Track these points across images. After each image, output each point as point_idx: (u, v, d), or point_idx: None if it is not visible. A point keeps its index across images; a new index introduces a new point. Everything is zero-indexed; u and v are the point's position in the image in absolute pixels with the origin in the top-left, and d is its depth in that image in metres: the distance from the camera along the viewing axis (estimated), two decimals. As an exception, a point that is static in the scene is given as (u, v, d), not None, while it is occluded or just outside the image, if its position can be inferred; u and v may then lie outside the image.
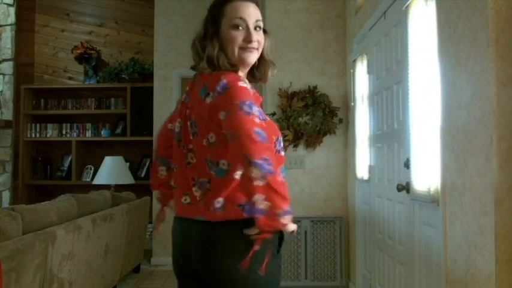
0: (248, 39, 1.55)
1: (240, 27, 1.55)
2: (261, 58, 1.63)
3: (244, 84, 1.49)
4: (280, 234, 1.52)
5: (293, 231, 1.44)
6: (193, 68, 1.66)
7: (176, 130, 1.62)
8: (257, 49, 1.59)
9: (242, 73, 1.62)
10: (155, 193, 1.90)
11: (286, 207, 1.39)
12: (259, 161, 1.35)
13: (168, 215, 1.90)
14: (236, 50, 1.56)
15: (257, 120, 1.41)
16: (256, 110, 1.43)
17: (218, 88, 1.46)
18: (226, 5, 1.57)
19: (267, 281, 1.50)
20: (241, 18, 1.55)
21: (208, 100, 1.49)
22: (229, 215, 1.48)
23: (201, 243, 1.52)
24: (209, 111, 1.48)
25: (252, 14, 1.56)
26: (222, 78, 1.47)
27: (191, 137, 1.56)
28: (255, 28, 1.57)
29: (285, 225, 1.40)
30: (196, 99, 1.54)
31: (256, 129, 1.39)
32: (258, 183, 1.35)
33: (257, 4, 1.60)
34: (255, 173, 1.35)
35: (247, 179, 1.38)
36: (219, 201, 1.48)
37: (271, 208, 1.37)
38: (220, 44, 1.56)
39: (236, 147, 1.39)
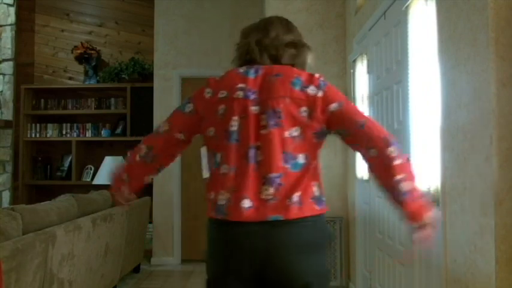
0: None
1: None
2: None
3: None
4: (329, 230, 1.67)
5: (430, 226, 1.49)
6: (251, 60, 1.66)
7: (232, 129, 1.55)
8: None
9: None
10: (120, 174, 1.78)
11: (420, 190, 1.51)
12: (393, 140, 1.50)
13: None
14: None
15: None
16: None
17: (321, 84, 1.58)
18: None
19: (329, 276, 1.68)
20: None
21: (312, 92, 1.55)
22: (306, 211, 1.51)
23: (282, 246, 1.48)
24: (315, 101, 1.55)
25: None
26: (319, 77, 1.60)
27: (263, 132, 1.53)
28: None
29: (427, 207, 1.50)
30: (285, 90, 1.55)
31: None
32: (398, 161, 1.47)
33: None
34: (394, 151, 1.48)
35: (384, 159, 1.48)
36: (297, 195, 1.50)
37: (414, 189, 1.48)
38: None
39: (369, 132, 1.51)
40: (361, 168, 3.75)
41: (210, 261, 1.61)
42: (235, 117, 1.56)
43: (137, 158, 1.72)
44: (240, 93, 1.58)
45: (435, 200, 2.24)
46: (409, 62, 2.55)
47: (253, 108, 1.56)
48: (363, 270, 3.80)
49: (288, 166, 1.51)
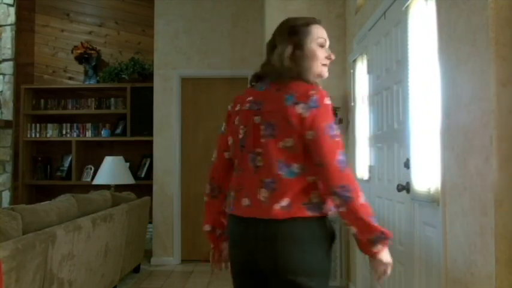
0: (329, 57, 1.79)
1: (324, 46, 1.78)
2: None
3: (329, 101, 1.66)
4: (332, 232, 1.70)
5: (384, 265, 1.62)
6: (261, 77, 1.79)
7: (240, 136, 1.74)
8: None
9: None
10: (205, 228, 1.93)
11: (371, 234, 1.58)
12: (337, 190, 1.56)
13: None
14: (319, 66, 1.77)
15: (338, 139, 1.61)
16: (336, 128, 1.63)
17: (310, 102, 1.61)
18: (311, 26, 1.78)
19: (325, 273, 1.69)
20: (324, 38, 1.79)
21: (300, 110, 1.61)
22: (295, 213, 1.61)
23: (269, 240, 1.63)
24: (301, 121, 1.61)
25: (327, 37, 1.82)
26: (313, 93, 1.63)
27: (262, 140, 1.67)
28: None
29: (373, 254, 1.61)
30: (279, 105, 1.65)
31: (339, 157, 1.58)
32: (341, 209, 1.59)
33: None
34: (336, 200, 1.58)
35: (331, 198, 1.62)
36: (286, 200, 1.62)
37: (357, 234, 1.60)
38: (305, 60, 1.75)
39: (322, 174, 1.60)
40: (361, 168, 3.75)
41: (231, 252, 1.83)
42: (242, 126, 1.74)
43: (207, 199, 1.91)
44: (247, 105, 1.75)
45: (435, 200, 2.24)
46: (409, 62, 2.55)
47: (255, 118, 1.70)
48: (363, 270, 3.80)
49: (282, 173, 1.63)
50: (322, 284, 1.67)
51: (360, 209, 1.57)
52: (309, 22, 1.79)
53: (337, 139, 1.61)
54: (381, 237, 1.58)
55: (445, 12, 2.15)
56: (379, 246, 1.59)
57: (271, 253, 1.64)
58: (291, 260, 1.61)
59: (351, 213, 1.58)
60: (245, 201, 1.69)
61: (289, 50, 1.72)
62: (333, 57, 1.79)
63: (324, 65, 1.78)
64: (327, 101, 1.63)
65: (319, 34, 1.77)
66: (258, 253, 1.67)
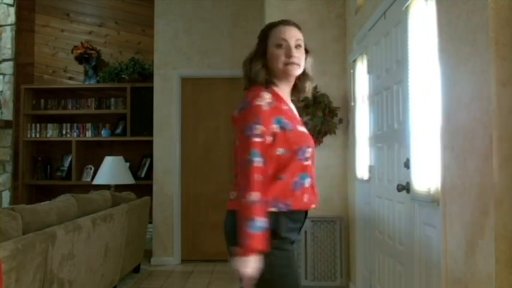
0: (289, 54, 1.79)
1: (283, 46, 1.80)
2: (303, 73, 1.88)
3: (261, 101, 1.71)
4: (273, 231, 1.70)
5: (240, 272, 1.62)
6: None
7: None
8: (298, 64, 1.82)
9: (287, 87, 1.87)
10: None
11: (239, 234, 1.61)
12: (240, 185, 1.67)
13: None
14: (280, 65, 1.80)
15: (256, 139, 1.66)
16: (258, 128, 1.67)
17: (242, 104, 1.74)
18: (272, 29, 1.84)
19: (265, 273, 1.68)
20: (283, 38, 1.80)
21: (236, 112, 1.76)
22: (237, 206, 1.71)
23: (225, 227, 1.81)
24: (235, 121, 1.76)
25: (293, 35, 1.82)
26: (248, 96, 1.75)
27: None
28: (296, 46, 1.81)
29: (233, 252, 1.64)
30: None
31: (247, 156, 1.66)
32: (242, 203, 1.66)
33: (298, 27, 1.86)
34: (244, 203, 1.65)
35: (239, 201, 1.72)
36: (233, 194, 1.78)
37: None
38: (265, 62, 1.82)
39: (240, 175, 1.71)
40: (361, 168, 3.75)
41: None
42: None
43: None
44: None
45: (435, 200, 2.24)
46: (409, 62, 2.55)
47: None
48: (363, 270, 3.80)
49: (238, 170, 1.75)
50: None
51: (243, 208, 1.63)
52: (270, 26, 1.85)
53: (254, 139, 1.66)
54: (241, 244, 1.61)
55: (445, 12, 2.15)
56: (238, 250, 1.61)
57: (229, 242, 1.79)
58: (231, 250, 1.72)
59: (240, 209, 1.64)
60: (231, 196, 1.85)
61: (249, 57, 1.85)
62: (294, 54, 1.78)
63: (289, 63, 1.79)
64: (257, 102, 1.70)
65: (276, 35, 1.81)
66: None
